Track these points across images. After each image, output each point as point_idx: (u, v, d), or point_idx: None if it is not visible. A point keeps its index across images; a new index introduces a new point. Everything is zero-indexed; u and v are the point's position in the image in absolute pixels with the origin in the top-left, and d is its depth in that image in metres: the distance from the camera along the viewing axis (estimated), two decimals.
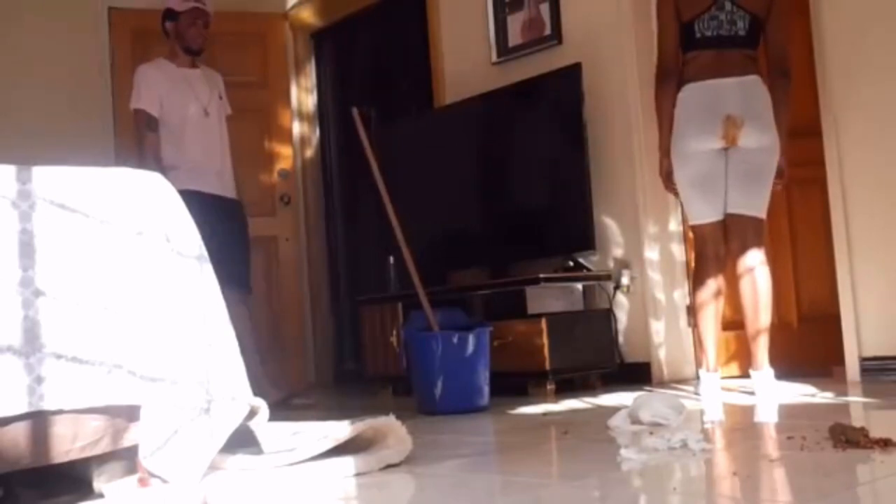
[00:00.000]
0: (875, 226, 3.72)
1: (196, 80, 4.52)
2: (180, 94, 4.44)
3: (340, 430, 2.33)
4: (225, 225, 4.32)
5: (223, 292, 2.33)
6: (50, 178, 2.12)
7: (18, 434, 2.01)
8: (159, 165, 4.23)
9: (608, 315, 4.39)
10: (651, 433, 2.47)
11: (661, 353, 4.31)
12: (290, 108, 6.01)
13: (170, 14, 4.51)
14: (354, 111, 3.96)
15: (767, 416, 3.04)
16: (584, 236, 4.30)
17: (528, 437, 2.91)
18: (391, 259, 4.92)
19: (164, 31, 4.54)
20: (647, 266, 4.33)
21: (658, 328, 4.32)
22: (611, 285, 4.42)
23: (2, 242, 2.03)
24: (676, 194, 3.59)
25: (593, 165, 4.35)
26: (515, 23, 4.86)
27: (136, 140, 4.45)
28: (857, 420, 2.75)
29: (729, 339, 4.13)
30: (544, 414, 3.40)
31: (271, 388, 4.20)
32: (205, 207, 4.05)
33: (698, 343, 3.81)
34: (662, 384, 4.14)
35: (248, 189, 5.08)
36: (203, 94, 4.51)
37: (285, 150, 5.91)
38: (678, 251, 4.41)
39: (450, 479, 2.23)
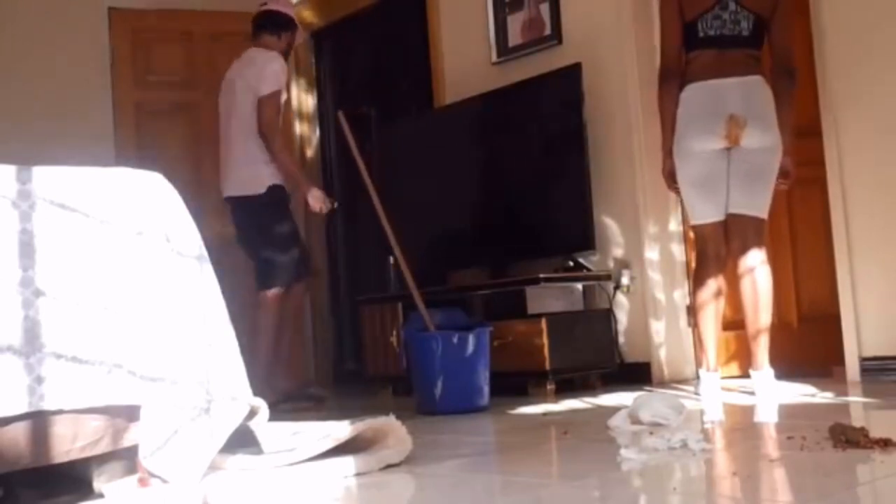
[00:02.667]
0: (875, 226, 3.72)
1: None
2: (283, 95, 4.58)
3: (340, 430, 2.33)
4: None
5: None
6: (50, 178, 2.12)
7: (18, 434, 2.01)
8: (291, 151, 4.44)
9: (608, 315, 4.39)
10: (651, 433, 2.47)
11: (661, 353, 4.31)
12: (290, 108, 6.00)
13: (293, 25, 4.64)
14: (340, 115, 3.98)
15: (767, 416, 3.04)
16: (584, 236, 4.30)
17: (528, 437, 2.91)
18: (391, 259, 4.92)
19: (276, 33, 4.57)
20: (647, 266, 4.33)
21: (658, 328, 4.32)
22: (611, 285, 4.42)
23: (2, 242, 2.03)
24: (679, 193, 3.59)
25: (593, 165, 4.35)
26: (515, 23, 4.86)
27: (271, 121, 4.42)
28: (857, 420, 2.75)
29: (729, 339, 4.13)
30: (544, 414, 3.40)
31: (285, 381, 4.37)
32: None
33: (698, 343, 3.82)
34: (662, 384, 4.14)
35: None
36: None
37: None
38: (678, 251, 4.41)
39: (450, 479, 2.23)
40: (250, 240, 4.46)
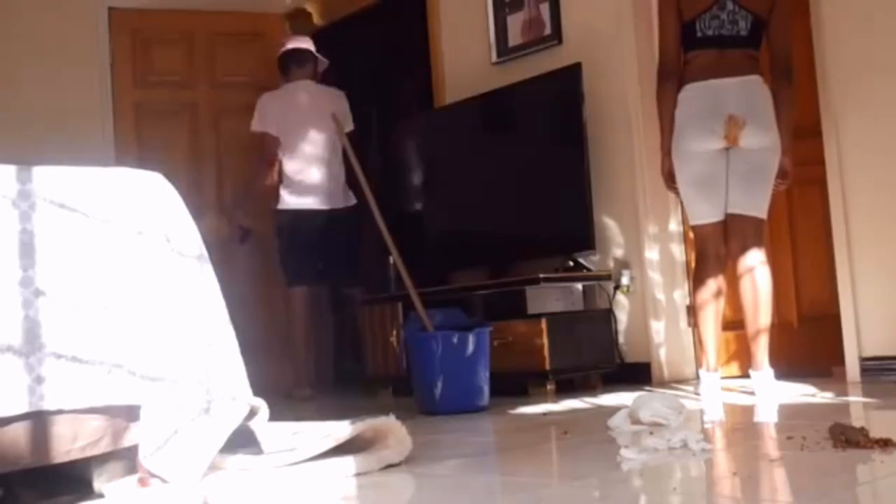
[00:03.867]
0: (875, 225, 3.72)
1: None
2: None
3: (341, 429, 2.33)
4: None
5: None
6: (50, 178, 2.12)
7: (18, 434, 2.01)
8: None
9: (608, 315, 4.39)
10: (651, 433, 2.47)
11: (661, 353, 4.31)
12: None
13: (314, 56, 5.04)
14: (335, 116, 4.02)
15: (767, 416, 3.04)
16: (584, 236, 4.30)
17: (528, 437, 2.91)
18: (391, 259, 4.92)
19: (302, 65, 4.98)
20: (647, 266, 4.33)
21: (658, 328, 4.32)
22: (611, 285, 4.42)
23: (2, 242, 2.03)
24: (678, 194, 3.59)
25: (593, 165, 4.34)
26: (515, 23, 4.86)
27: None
28: (857, 420, 2.74)
29: (729, 339, 4.13)
30: (544, 414, 3.40)
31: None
32: None
33: (698, 343, 3.82)
34: (662, 384, 4.14)
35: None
36: None
37: None
38: (678, 251, 4.41)
39: (450, 479, 2.23)
40: (334, 247, 4.87)
